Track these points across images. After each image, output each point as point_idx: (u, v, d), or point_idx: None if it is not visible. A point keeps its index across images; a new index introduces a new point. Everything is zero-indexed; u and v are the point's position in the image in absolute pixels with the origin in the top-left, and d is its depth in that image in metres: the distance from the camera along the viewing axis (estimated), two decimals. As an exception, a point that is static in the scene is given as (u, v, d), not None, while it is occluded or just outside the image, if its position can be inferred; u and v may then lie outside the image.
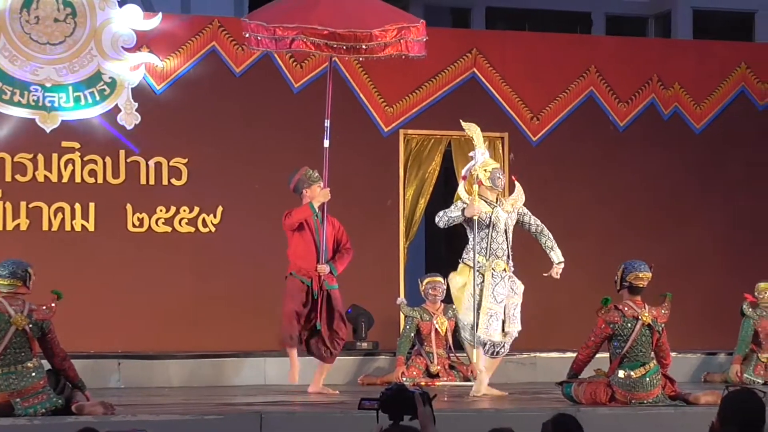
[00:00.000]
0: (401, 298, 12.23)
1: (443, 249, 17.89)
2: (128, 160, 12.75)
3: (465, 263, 10.22)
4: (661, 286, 9.56)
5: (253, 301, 12.78)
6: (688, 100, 14.22)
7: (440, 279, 11.80)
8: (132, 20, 12.68)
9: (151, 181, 12.79)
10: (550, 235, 10.42)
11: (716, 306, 13.61)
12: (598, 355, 9.30)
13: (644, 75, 14.11)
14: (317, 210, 10.43)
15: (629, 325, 9.00)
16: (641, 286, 9.11)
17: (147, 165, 12.79)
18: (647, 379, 8.95)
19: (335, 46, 10.08)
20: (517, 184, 10.43)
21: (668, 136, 14.15)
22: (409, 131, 13.47)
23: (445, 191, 14.39)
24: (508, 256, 10.25)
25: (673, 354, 9.42)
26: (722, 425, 5.01)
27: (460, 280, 10.26)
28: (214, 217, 12.90)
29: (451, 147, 13.59)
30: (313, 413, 8.64)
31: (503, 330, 10.14)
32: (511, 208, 10.26)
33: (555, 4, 24.86)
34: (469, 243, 10.22)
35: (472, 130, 10.46)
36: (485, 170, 10.30)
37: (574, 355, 9.45)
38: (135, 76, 12.71)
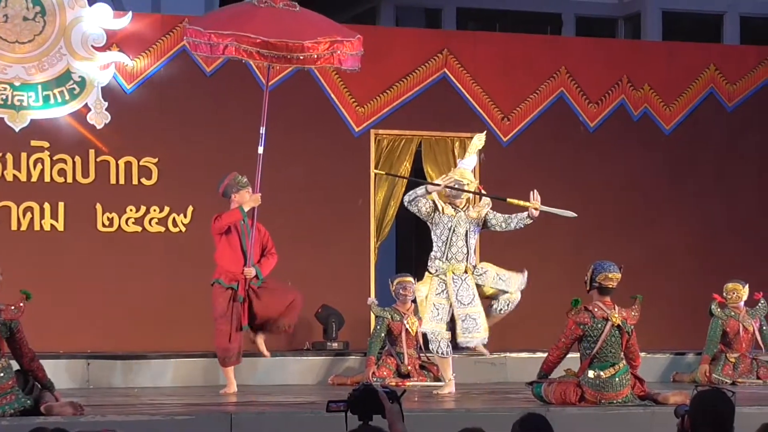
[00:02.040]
0: (372, 298, 12.23)
1: (414, 249, 17.90)
2: (98, 160, 12.70)
3: (428, 272, 10.36)
4: (630, 287, 9.61)
5: (223, 301, 12.74)
6: (657, 101, 14.29)
7: (411, 279, 11.82)
8: (102, 19, 12.63)
9: (121, 181, 12.75)
10: (503, 199, 10.48)
11: (685, 306, 13.67)
12: (568, 356, 9.33)
13: (614, 76, 14.16)
14: (246, 214, 10.54)
15: (599, 326, 9.03)
16: (610, 286, 9.14)
17: (117, 164, 12.75)
18: (617, 379, 8.99)
19: (266, 54, 10.28)
20: (483, 191, 10.53)
21: (638, 137, 14.20)
22: (380, 131, 13.48)
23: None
24: (467, 259, 10.32)
25: (642, 354, 9.46)
26: (692, 425, 5.03)
27: (423, 290, 10.40)
28: (185, 216, 12.88)
29: (422, 147, 13.61)
30: (283, 413, 8.64)
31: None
32: (475, 215, 10.35)
33: (526, 5, 24.91)
34: (433, 250, 10.36)
35: (480, 138, 10.70)
36: (464, 177, 10.43)
37: (545, 355, 9.48)
38: (105, 76, 12.66)
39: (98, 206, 12.67)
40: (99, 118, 12.66)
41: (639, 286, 9.80)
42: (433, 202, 10.26)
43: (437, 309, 10.24)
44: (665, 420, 8.14)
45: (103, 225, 12.68)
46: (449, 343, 10.29)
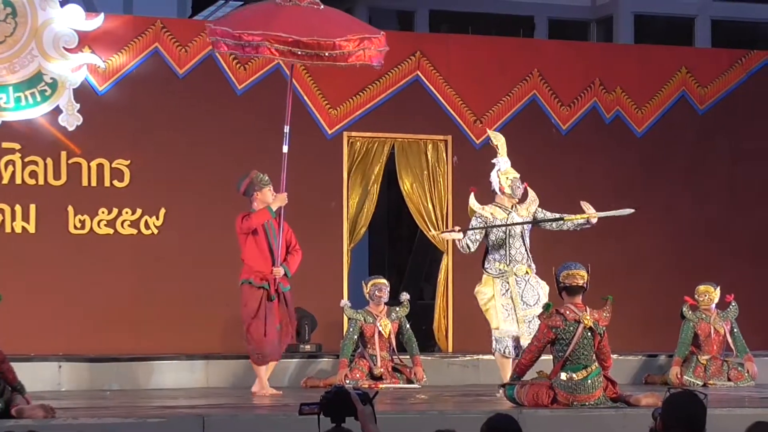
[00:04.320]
0: (345, 301, 12.23)
1: (387, 252, 17.91)
2: (70, 162, 12.66)
3: (488, 273, 10.69)
4: (602, 289, 9.63)
5: (195, 304, 12.73)
6: (629, 104, 14.34)
7: (385, 281, 11.85)
8: (74, 20, 12.59)
9: (93, 183, 12.71)
10: (560, 219, 10.87)
11: (657, 308, 13.72)
12: (541, 357, 9.36)
13: (586, 79, 14.21)
14: (275, 215, 10.50)
15: (571, 328, 9.05)
16: (575, 284, 9.16)
17: (89, 166, 12.70)
18: (589, 381, 9.01)
19: (299, 53, 10.24)
20: (529, 189, 10.90)
21: (610, 140, 14.25)
22: (353, 133, 13.48)
23: (389, 193, 14.42)
24: (528, 259, 10.67)
25: (614, 356, 9.50)
26: (664, 427, 5.05)
27: (486, 292, 10.68)
28: (157, 219, 12.84)
29: (395, 150, 13.62)
30: (256, 415, 8.63)
31: None
32: (526, 213, 10.63)
33: (498, 8, 24.94)
34: (489, 254, 10.70)
35: (498, 139, 10.89)
36: (507, 177, 10.82)
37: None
38: (77, 77, 12.62)
39: (70, 208, 12.62)
40: (71, 119, 12.61)
41: (611, 288, 9.84)
42: (481, 216, 10.57)
43: (506, 310, 10.60)
44: (637, 422, 8.17)
45: (75, 227, 12.63)
46: (517, 345, 10.51)
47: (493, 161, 10.96)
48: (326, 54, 10.30)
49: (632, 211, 11.03)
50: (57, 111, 12.58)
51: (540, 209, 10.92)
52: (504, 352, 10.61)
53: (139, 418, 8.21)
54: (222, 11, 27.37)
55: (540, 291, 10.63)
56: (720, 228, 14.49)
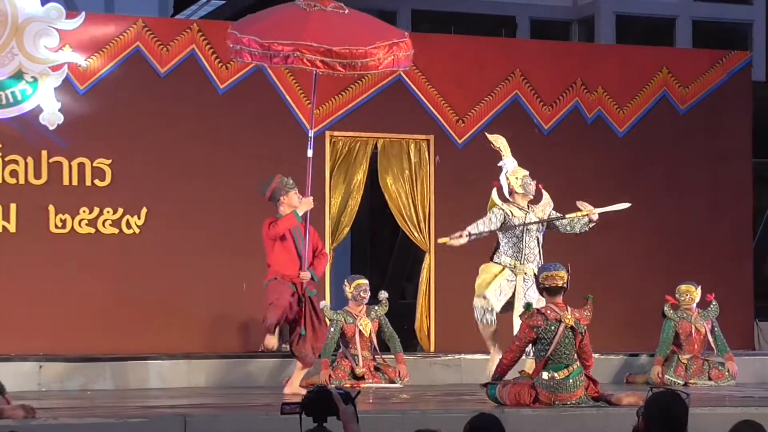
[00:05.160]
0: (324, 302, 12.21)
1: (368, 251, 17.91)
2: (51, 161, 12.62)
3: (495, 262, 10.95)
4: (584, 289, 9.66)
5: (177, 304, 12.72)
6: (611, 104, 14.37)
7: (366, 281, 11.86)
8: (54, 19, 12.55)
9: (74, 182, 12.67)
10: (561, 218, 11.04)
11: (638, 308, 13.75)
12: (523, 357, 9.38)
13: (568, 79, 14.23)
14: (301, 219, 10.40)
15: (552, 328, 9.07)
16: (555, 285, 9.19)
17: (70, 165, 12.67)
18: (570, 380, 9.03)
19: (331, 63, 10.04)
20: (544, 192, 11.06)
21: (592, 140, 14.28)
22: (335, 133, 13.47)
23: (371, 193, 14.41)
24: (540, 261, 10.80)
25: (595, 355, 9.52)
26: (646, 426, 5.06)
27: (494, 269, 10.94)
28: (138, 218, 12.81)
29: (378, 149, 13.62)
30: (238, 415, 8.62)
31: None
32: (542, 214, 10.72)
33: (480, 8, 24.96)
34: (501, 247, 10.88)
35: (499, 141, 10.96)
36: (516, 178, 10.97)
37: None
38: (58, 76, 12.58)
39: (51, 208, 12.59)
40: (52, 118, 12.57)
41: (592, 288, 9.86)
42: (502, 212, 10.70)
43: (501, 290, 10.80)
44: (619, 421, 8.20)
45: (56, 226, 12.60)
46: (495, 317, 10.79)
47: (499, 164, 11.09)
48: (359, 63, 10.12)
49: (629, 205, 11.21)
50: (38, 110, 12.53)
51: (554, 212, 11.07)
52: (482, 320, 10.93)
53: (121, 418, 8.19)
54: (204, 10, 27.30)
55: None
56: (701, 227, 14.53)
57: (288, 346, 12.47)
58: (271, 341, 10.50)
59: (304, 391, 10.36)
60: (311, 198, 10.49)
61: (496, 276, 10.94)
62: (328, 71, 10.25)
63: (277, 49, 9.99)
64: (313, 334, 10.54)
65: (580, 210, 11.02)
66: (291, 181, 10.59)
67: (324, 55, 9.99)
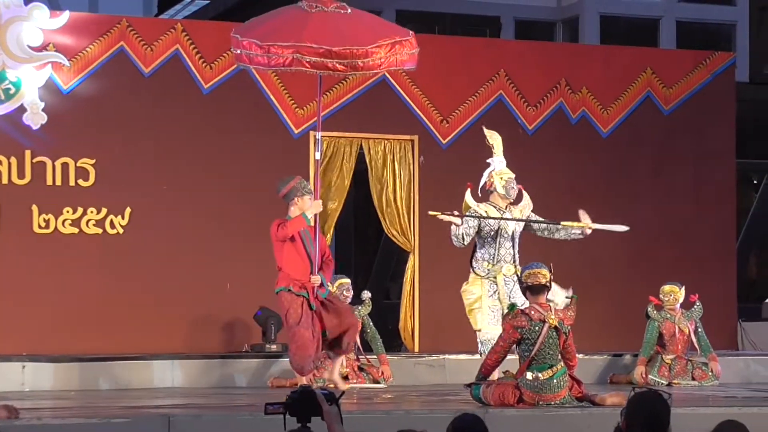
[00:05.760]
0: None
1: (353, 251, 17.92)
2: (34, 161, 12.59)
3: (476, 273, 10.68)
4: (567, 288, 9.66)
5: (161, 304, 12.70)
6: (595, 105, 14.39)
7: (349, 281, 11.84)
8: (38, 19, 12.52)
9: (58, 182, 12.65)
10: (556, 224, 10.86)
11: (622, 308, 13.77)
12: (507, 357, 9.38)
13: (553, 79, 14.25)
14: (311, 222, 10.35)
15: (536, 328, 9.07)
16: (537, 283, 9.19)
17: (53, 165, 12.64)
18: (554, 380, 9.04)
19: (330, 64, 9.94)
20: (524, 193, 10.88)
21: (576, 140, 14.30)
22: (320, 133, 13.43)
23: (355, 193, 14.41)
24: (515, 261, 10.67)
25: (579, 356, 9.53)
26: (628, 426, 5.06)
27: (474, 291, 10.66)
28: (122, 218, 12.79)
29: (363, 149, 13.62)
30: (221, 415, 8.61)
31: None
32: (519, 214, 10.64)
33: (465, 8, 25.01)
34: (477, 252, 10.67)
35: (494, 138, 10.87)
36: (501, 178, 10.81)
37: (483, 357, 9.54)
38: (41, 75, 12.55)
39: (34, 208, 12.56)
40: (36, 118, 12.54)
41: (576, 288, 9.86)
42: (477, 216, 10.58)
43: (493, 312, 10.57)
44: (602, 421, 8.20)
45: (39, 226, 12.57)
46: None
47: (488, 161, 10.98)
48: (359, 63, 10.01)
49: (627, 228, 11.03)
50: (21, 110, 12.50)
51: (533, 214, 10.96)
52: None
53: (104, 418, 8.17)
54: (188, 10, 27.28)
55: None
56: (685, 228, 14.57)
57: (271, 345, 12.51)
58: (303, 381, 10.42)
59: (341, 383, 10.38)
60: (320, 201, 10.47)
61: (480, 300, 10.70)
62: (329, 72, 10.17)
63: (277, 52, 9.90)
64: (340, 322, 10.38)
65: (579, 219, 10.91)
66: (309, 186, 10.53)
67: (324, 56, 9.89)
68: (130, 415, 8.49)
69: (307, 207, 10.38)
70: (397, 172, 13.64)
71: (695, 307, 12.26)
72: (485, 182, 10.88)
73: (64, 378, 11.58)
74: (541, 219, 10.97)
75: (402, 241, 13.67)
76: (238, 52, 10.13)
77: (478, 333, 10.73)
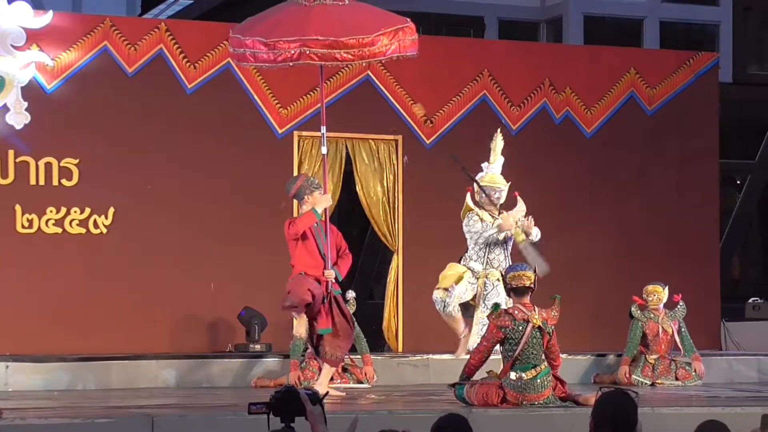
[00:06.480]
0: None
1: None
2: (17, 160, 12.56)
3: (464, 264, 11.00)
4: (551, 289, 9.68)
5: (144, 304, 12.68)
6: (579, 105, 14.41)
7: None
8: (21, 18, 12.48)
9: (41, 182, 12.62)
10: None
11: (605, 308, 13.80)
12: (491, 357, 9.39)
13: (536, 79, 14.26)
14: (321, 216, 10.32)
15: (520, 328, 9.09)
16: (522, 285, 9.20)
17: (37, 165, 12.61)
18: (538, 380, 9.05)
19: (339, 54, 9.89)
20: (519, 200, 10.86)
21: (560, 140, 14.32)
22: (304, 133, 13.45)
23: (340, 193, 14.39)
24: (503, 267, 10.77)
25: (563, 356, 9.54)
26: (597, 426, 5.06)
27: (459, 268, 11.06)
28: (106, 218, 12.77)
29: (348, 149, 13.60)
30: (205, 415, 8.60)
31: None
32: (512, 222, 10.64)
33: (449, 8, 25.02)
34: (468, 251, 10.90)
35: (498, 140, 10.91)
36: (490, 182, 11.03)
37: (467, 357, 9.54)
38: (25, 75, 12.52)
39: (17, 207, 12.52)
40: (19, 118, 12.51)
41: (558, 289, 9.88)
42: (474, 215, 10.71)
43: (467, 284, 10.92)
44: (586, 421, 8.20)
45: (23, 226, 12.54)
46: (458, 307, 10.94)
47: (482, 165, 11.10)
48: (367, 51, 9.97)
49: (547, 270, 10.83)
50: (4, 109, 12.47)
51: (523, 219, 11.07)
52: (446, 310, 11.06)
53: (87, 418, 8.16)
54: (172, 9, 27.20)
55: (504, 299, 10.62)
56: (668, 228, 14.60)
57: (255, 345, 12.49)
58: (299, 329, 10.34)
59: (335, 392, 10.31)
60: (329, 195, 10.41)
61: (461, 276, 11.03)
62: (337, 63, 10.18)
63: (284, 47, 9.85)
64: (340, 333, 10.28)
65: (522, 227, 10.98)
66: (317, 181, 10.46)
67: (331, 47, 9.86)
68: (114, 416, 8.48)
69: (318, 202, 10.35)
70: (381, 172, 13.63)
71: (679, 307, 12.29)
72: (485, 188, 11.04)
73: (48, 378, 11.54)
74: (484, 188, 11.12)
75: (388, 240, 13.67)
76: (242, 51, 10.06)
77: (437, 292, 10.91)
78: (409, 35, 10.28)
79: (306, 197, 10.35)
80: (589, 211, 14.38)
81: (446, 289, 10.97)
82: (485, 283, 10.74)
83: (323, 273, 10.21)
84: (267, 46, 9.89)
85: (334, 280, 10.26)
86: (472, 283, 10.96)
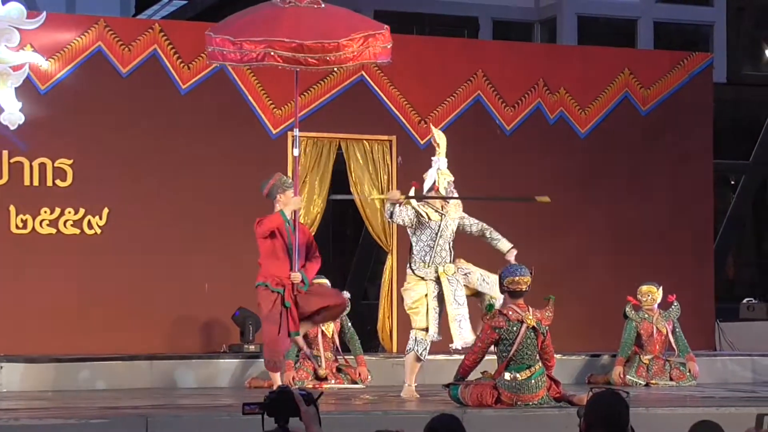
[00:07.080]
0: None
1: (331, 252, 17.91)
2: (12, 161, 12.55)
3: (416, 274, 10.33)
4: (545, 289, 9.69)
5: (139, 304, 12.67)
6: (573, 105, 14.42)
7: (326, 280, 11.83)
8: (15, 19, 12.47)
9: (36, 182, 12.61)
10: (492, 228, 10.55)
11: (600, 309, 13.80)
12: (486, 357, 9.40)
13: (530, 80, 14.27)
14: (289, 218, 10.29)
15: (514, 328, 9.10)
16: (519, 290, 9.21)
17: (31, 166, 12.60)
18: (533, 381, 9.07)
19: (304, 58, 9.88)
20: (454, 191, 10.66)
21: (554, 141, 14.32)
22: (298, 133, 13.42)
23: (334, 193, 14.40)
24: (451, 256, 10.36)
25: (557, 356, 9.55)
26: (588, 427, 5.06)
27: (419, 290, 10.30)
28: (100, 218, 12.76)
29: (342, 149, 13.61)
30: (199, 416, 8.61)
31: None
32: (455, 215, 10.43)
33: (443, 9, 25.03)
34: (414, 251, 10.35)
35: (442, 138, 10.77)
36: (444, 178, 10.53)
37: (462, 357, 9.54)
38: (19, 76, 12.51)
39: (12, 208, 12.51)
40: (13, 118, 12.50)
41: (553, 289, 9.89)
42: (414, 209, 10.30)
43: (436, 313, 10.22)
44: (580, 421, 8.22)
45: (17, 227, 12.53)
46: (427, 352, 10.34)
47: (432, 158, 10.83)
48: (331, 57, 9.94)
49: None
50: (-2, 110, 12.46)
51: (465, 215, 10.69)
52: (421, 354, 10.31)
53: (82, 418, 8.16)
54: (166, 10, 27.18)
55: (464, 292, 10.37)
56: (662, 228, 14.60)
57: (249, 346, 12.50)
58: (277, 380, 10.31)
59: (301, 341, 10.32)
60: (300, 198, 10.41)
61: (426, 299, 10.36)
62: (301, 67, 10.11)
63: (250, 47, 9.87)
64: (318, 291, 10.36)
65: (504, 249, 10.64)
66: (289, 181, 10.48)
67: (295, 50, 9.84)
68: (108, 416, 8.48)
69: (288, 203, 10.34)
70: (375, 172, 13.63)
71: (673, 307, 12.31)
72: (434, 182, 10.62)
73: (42, 378, 11.55)
74: (482, 196, 10.84)
75: (382, 240, 13.67)
76: (211, 49, 10.10)
77: (417, 333, 10.35)
78: (381, 42, 10.21)
79: (278, 196, 10.36)
80: (583, 211, 14.38)
81: (425, 330, 10.44)
82: (448, 280, 10.29)
83: (289, 275, 10.19)
84: (234, 45, 9.91)
85: (300, 282, 10.20)
86: (435, 296, 10.44)
